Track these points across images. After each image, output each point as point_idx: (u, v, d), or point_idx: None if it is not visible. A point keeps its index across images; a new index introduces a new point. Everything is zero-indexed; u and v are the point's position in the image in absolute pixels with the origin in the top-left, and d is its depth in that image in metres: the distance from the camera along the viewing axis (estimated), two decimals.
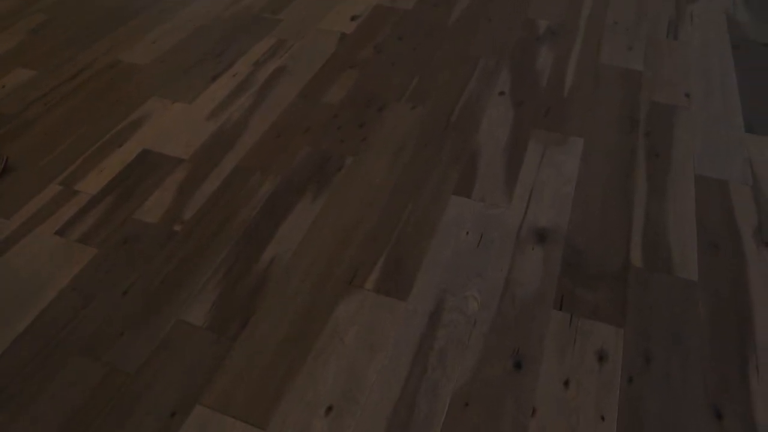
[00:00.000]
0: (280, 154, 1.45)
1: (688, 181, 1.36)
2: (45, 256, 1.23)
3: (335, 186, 1.35)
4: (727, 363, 1.01)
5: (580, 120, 1.54)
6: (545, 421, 0.93)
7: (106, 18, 2.07)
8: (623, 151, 1.45)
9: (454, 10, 2.04)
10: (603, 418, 0.93)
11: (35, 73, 1.80)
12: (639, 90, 1.66)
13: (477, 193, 1.33)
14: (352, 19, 2.00)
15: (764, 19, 1.98)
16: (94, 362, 1.03)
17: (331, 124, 1.54)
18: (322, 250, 1.21)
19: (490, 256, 1.19)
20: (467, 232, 1.23)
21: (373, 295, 1.11)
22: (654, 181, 1.36)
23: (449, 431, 0.92)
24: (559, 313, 1.08)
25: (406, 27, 1.95)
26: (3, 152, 1.47)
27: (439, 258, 1.18)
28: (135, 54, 1.86)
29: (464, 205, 1.30)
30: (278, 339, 1.05)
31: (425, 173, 1.38)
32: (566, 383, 0.97)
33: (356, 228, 1.25)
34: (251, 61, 1.79)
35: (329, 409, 0.95)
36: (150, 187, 1.37)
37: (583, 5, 2.07)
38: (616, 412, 0.94)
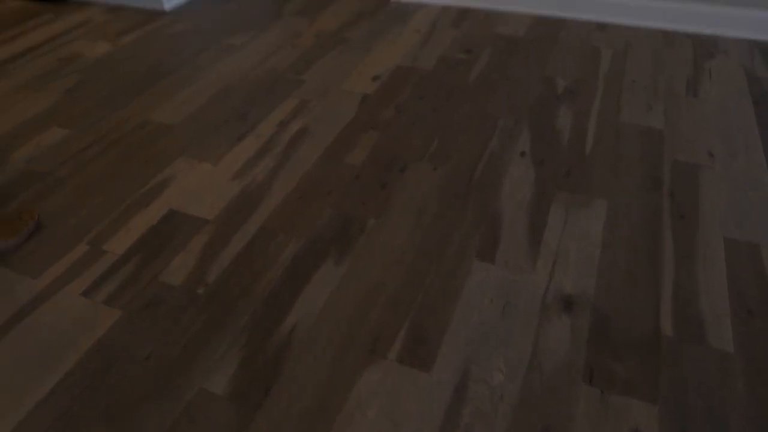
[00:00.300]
0: (303, 215, 1.46)
1: (717, 244, 1.33)
2: (70, 317, 1.23)
3: (357, 249, 1.35)
4: None
5: (603, 180, 1.53)
6: None
7: (137, 79, 2.15)
8: (648, 212, 1.43)
9: (473, 69, 2.08)
10: None
11: (69, 132, 1.86)
12: (661, 149, 1.65)
13: (500, 258, 1.31)
14: (374, 79, 2.04)
15: None
16: (116, 431, 1.02)
17: (353, 185, 1.55)
18: (344, 316, 1.19)
19: (515, 325, 1.16)
20: (491, 299, 1.21)
21: (396, 365, 1.09)
22: (681, 244, 1.34)
23: None
24: (590, 387, 1.04)
25: (426, 87, 1.98)
26: (35, 210, 1.50)
27: (463, 326, 1.16)
28: (164, 114, 1.92)
29: (487, 270, 1.28)
30: (300, 410, 1.03)
31: (448, 236, 1.38)
32: None
33: (378, 293, 1.24)
34: (275, 122, 1.83)
35: None
36: (175, 248, 1.38)
37: (600, 63, 2.09)
38: None
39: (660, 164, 1.59)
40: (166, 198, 1.54)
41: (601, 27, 2.36)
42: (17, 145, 1.82)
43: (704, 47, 2.19)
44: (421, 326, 1.16)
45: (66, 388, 1.09)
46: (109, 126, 1.88)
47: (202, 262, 1.34)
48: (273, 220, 1.45)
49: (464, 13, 2.53)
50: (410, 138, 1.73)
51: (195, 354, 1.14)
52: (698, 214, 1.42)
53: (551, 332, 1.14)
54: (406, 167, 1.60)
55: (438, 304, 1.21)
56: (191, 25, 2.57)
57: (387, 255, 1.33)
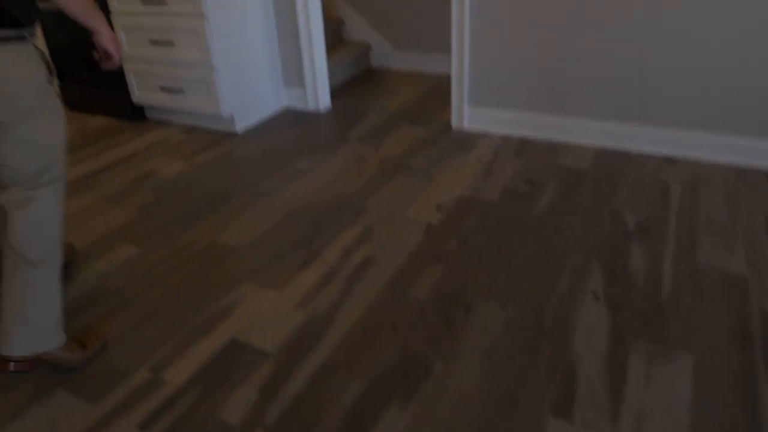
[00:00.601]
0: (366, 352, 1.46)
1: None
2: None
3: (423, 395, 1.32)
4: None
5: (685, 330, 1.48)
6: None
7: (207, 199, 2.31)
8: (741, 370, 1.35)
9: (538, 202, 2.13)
10: None
11: (140, 250, 1.99)
12: (746, 297, 1.59)
13: (578, 416, 1.25)
14: (438, 208, 2.12)
15: None
16: None
17: (418, 321, 1.56)
18: None
19: None
20: None
21: None
22: None
23: None
24: None
25: (490, 219, 2.03)
26: (103, 332, 1.57)
27: None
28: (232, 236, 2.03)
29: (564, 430, 1.22)
30: None
31: (519, 386, 1.34)
32: None
33: None
34: (340, 249, 1.90)
35: None
36: (235, 382, 1.39)
37: (670, 199, 2.10)
38: None
39: (748, 314, 1.53)
40: (229, 325, 1.59)
41: (669, 161, 2.40)
42: (92, 259, 1.95)
43: None
44: None
45: None
46: (178, 246, 2.00)
47: (261, 400, 1.34)
48: (336, 356, 1.45)
49: (526, 143, 2.64)
50: (475, 273, 1.74)
51: None
52: None
53: None
54: (472, 305, 1.60)
55: None
56: (261, 147, 2.79)
57: (454, 404, 1.30)
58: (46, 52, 3.47)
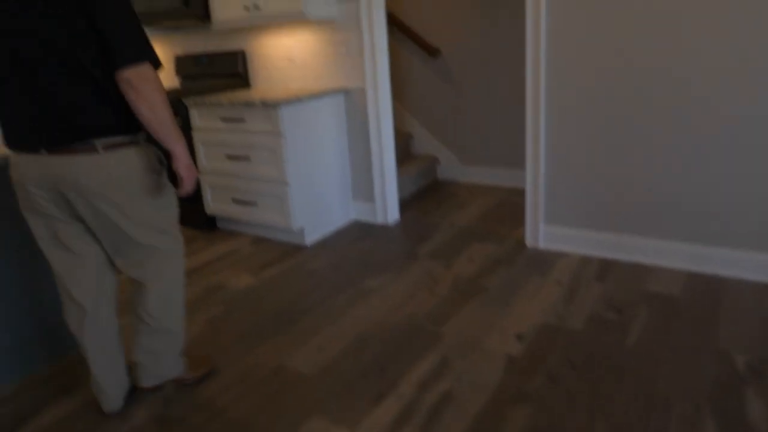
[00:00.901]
0: None
1: None
2: None
3: None
4: None
5: None
6: None
7: (275, 316, 2.29)
8: None
9: (629, 333, 1.99)
10: None
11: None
12: None
13: None
14: (518, 338, 2.01)
15: None
16: None
17: None
18: None
19: None
20: None
21: None
22: None
23: None
24: None
25: (578, 352, 1.90)
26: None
27: None
28: (300, 360, 1.97)
29: None
30: None
31: None
32: None
33: None
34: (415, 381, 1.80)
35: None
36: None
37: None
38: None
39: None
40: None
41: None
42: None
43: None
44: None
45: None
46: (245, 369, 1.95)
47: None
48: None
49: (607, 265, 2.53)
50: (569, 419, 1.59)
51: None
52: None
53: None
54: None
55: None
56: (330, 261, 2.80)
57: None
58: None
